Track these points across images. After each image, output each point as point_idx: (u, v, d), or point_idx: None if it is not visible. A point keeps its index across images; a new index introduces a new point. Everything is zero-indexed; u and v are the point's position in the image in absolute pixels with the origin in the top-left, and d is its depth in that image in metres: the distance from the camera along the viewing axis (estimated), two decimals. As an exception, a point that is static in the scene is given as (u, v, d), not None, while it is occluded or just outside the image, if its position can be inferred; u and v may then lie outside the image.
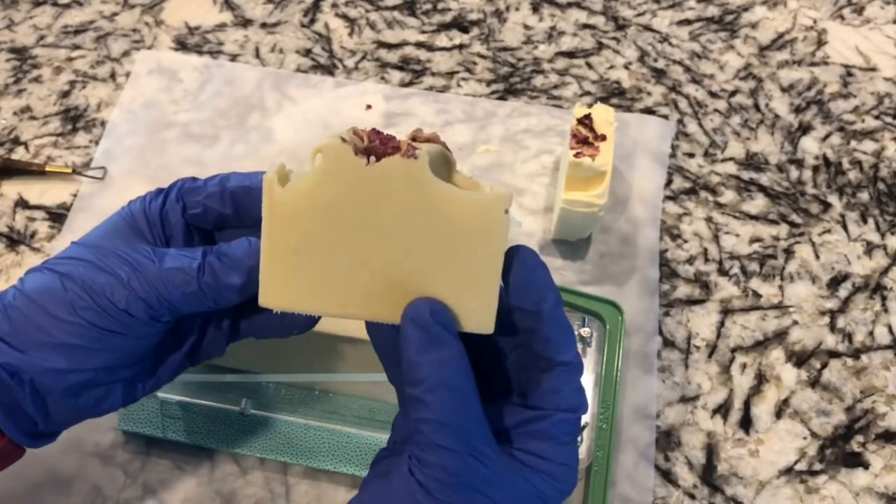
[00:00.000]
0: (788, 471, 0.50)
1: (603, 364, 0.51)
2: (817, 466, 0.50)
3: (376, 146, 0.30)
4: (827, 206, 0.60)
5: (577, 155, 0.52)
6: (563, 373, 0.31)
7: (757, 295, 0.56)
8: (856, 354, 0.54)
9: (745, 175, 0.62)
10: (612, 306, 0.52)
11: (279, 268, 0.31)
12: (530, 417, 0.31)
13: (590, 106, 0.55)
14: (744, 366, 0.53)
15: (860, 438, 0.51)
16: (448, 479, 0.28)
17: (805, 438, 0.51)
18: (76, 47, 0.67)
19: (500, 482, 0.29)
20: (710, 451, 0.50)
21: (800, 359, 0.54)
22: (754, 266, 0.57)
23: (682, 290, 0.56)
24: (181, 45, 0.67)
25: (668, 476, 0.49)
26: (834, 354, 0.54)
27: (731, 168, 0.62)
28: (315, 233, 0.30)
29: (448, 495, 0.28)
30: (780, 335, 0.54)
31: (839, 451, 0.50)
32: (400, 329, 0.30)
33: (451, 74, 0.66)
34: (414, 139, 0.32)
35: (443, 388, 0.29)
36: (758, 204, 0.60)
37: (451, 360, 0.29)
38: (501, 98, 0.65)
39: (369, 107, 0.63)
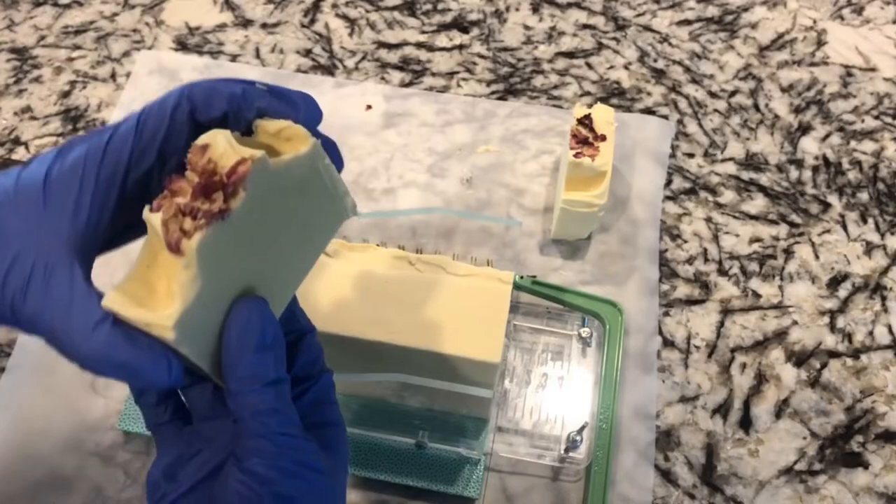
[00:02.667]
0: (788, 471, 0.50)
1: (603, 364, 0.51)
2: (817, 466, 0.50)
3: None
4: (827, 206, 0.60)
5: (577, 155, 0.52)
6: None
7: (757, 295, 0.56)
8: (855, 354, 0.54)
9: (745, 175, 0.62)
10: (611, 306, 0.53)
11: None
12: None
13: (590, 106, 0.55)
14: (743, 366, 0.53)
15: (860, 438, 0.51)
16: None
17: (805, 438, 0.51)
18: (76, 47, 0.67)
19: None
20: (710, 450, 0.50)
21: (799, 359, 0.54)
22: (754, 266, 0.57)
23: (682, 290, 0.56)
24: (181, 46, 0.67)
25: (667, 476, 0.49)
26: (834, 354, 0.54)
27: (730, 168, 0.62)
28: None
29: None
30: (780, 335, 0.54)
31: (839, 450, 0.50)
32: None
33: (451, 74, 0.66)
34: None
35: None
36: (757, 204, 0.60)
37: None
38: (501, 98, 0.65)
39: (369, 107, 0.63)
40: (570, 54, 0.68)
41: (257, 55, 0.67)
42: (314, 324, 0.42)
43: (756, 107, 0.65)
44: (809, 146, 0.63)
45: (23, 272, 0.26)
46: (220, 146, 0.26)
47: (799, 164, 0.62)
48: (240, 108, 0.29)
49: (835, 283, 0.57)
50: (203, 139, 0.27)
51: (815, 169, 0.62)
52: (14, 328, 0.27)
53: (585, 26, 0.70)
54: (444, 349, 0.42)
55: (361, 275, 0.44)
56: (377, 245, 0.46)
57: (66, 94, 0.64)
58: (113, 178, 0.28)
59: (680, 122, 0.64)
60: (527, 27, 0.69)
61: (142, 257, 0.27)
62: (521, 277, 0.52)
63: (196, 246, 0.26)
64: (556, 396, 0.51)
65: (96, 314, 0.26)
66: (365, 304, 0.43)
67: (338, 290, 0.43)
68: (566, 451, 0.49)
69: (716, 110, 0.65)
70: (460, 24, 0.69)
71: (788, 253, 0.58)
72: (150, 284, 0.27)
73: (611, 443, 0.48)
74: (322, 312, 0.42)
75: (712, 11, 0.71)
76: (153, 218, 0.26)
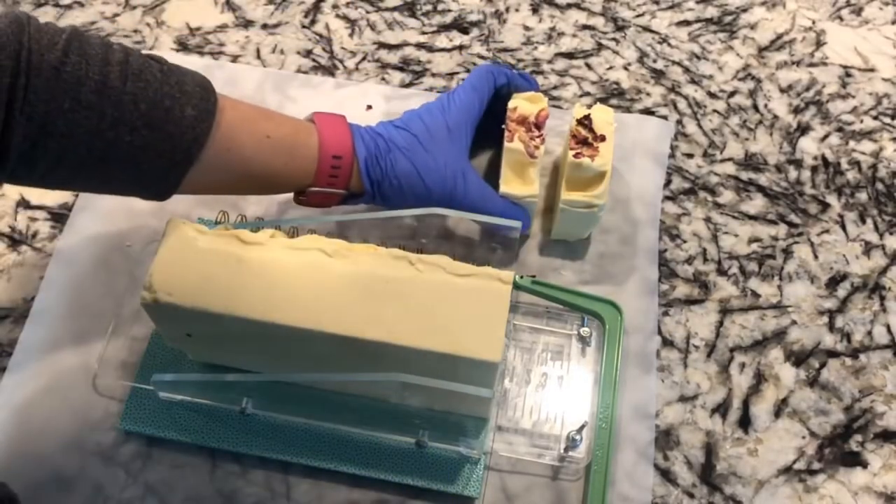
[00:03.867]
0: (787, 470, 0.50)
1: (602, 364, 0.51)
2: (816, 466, 0.50)
3: None
4: (825, 206, 0.61)
5: (576, 155, 0.52)
6: None
7: (756, 295, 0.56)
8: (854, 354, 0.54)
9: (744, 175, 0.62)
10: (611, 306, 0.53)
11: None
12: None
13: (589, 107, 0.55)
14: (742, 365, 0.54)
15: (859, 438, 0.51)
16: None
17: (804, 438, 0.51)
18: (77, 48, 0.67)
19: None
20: (709, 450, 0.51)
21: (798, 358, 0.54)
22: (753, 266, 0.58)
23: (681, 290, 0.56)
24: (182, 46, 0.67)
25: (667, 475, 0.50)
26: (832, 354, 0.54)
27: (729, 168, 0.62)
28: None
29: None
30: (779, 335, 0.55)
31: (838, 450, 0.51)
32: None
33: (451, 75, 0.66)
34: None
35: None
36: (756, 204, 0.60)
37: None
38: (501, 99, 0.65)
39: (370, 107, 0.64)
40: (569, 55, 0.68)
41: (258, 56, 0.67)
42: (315, 323, 0.42)
43: (755, 107, 0.65)
44: (808, 146, 0.64)
45: (453, 175, 0.51)
46: (525, 106, 0.54)
47: (798, 164, 0.63)
48: (507, 79, 0.55)
49: (834, 282, 0.57)
50: (512, 104, 0.54)
51: (814, 169, 0.62)
52: (447, 206, 0.50)
53: (585, 27, 0.70)
54: (444, 349, 0.42)
55: (361, 275, 0.44)
56: (377, 245, 0.46)
57: (66, 95, 0.64)
58: (473, 121, 0.53)
59: (679, 122, 0.64)
60: (526, 28, 0.70)
61: (506, 170, 0.53)
62: (521, 277, 0.53)
63: (541, 151, 0.53)
64: (555, 396, 0.51)
65: (494, 193, 0.52)
66: (365, 303, 0.43)
67: (338, 289, 0.43)
68: (566, 450, 0.49)
69: (715, 111, 0.65)
70: (460, 25, 0.70)
71: (787, 253, 0.58)
72: (514, 182, 0.53)
73: (610, 442, 0.48)
74: (322, 312, 0.43)
75: (711, 12, 0.72)
76: (515, 144, 0.53)
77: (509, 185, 0.53)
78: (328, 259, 0.44)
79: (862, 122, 0.65)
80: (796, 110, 0.66)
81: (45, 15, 0.68)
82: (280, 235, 0.46)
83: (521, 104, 0.54)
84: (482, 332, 0.42)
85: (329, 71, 0.66)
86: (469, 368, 0.42)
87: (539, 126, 0.53)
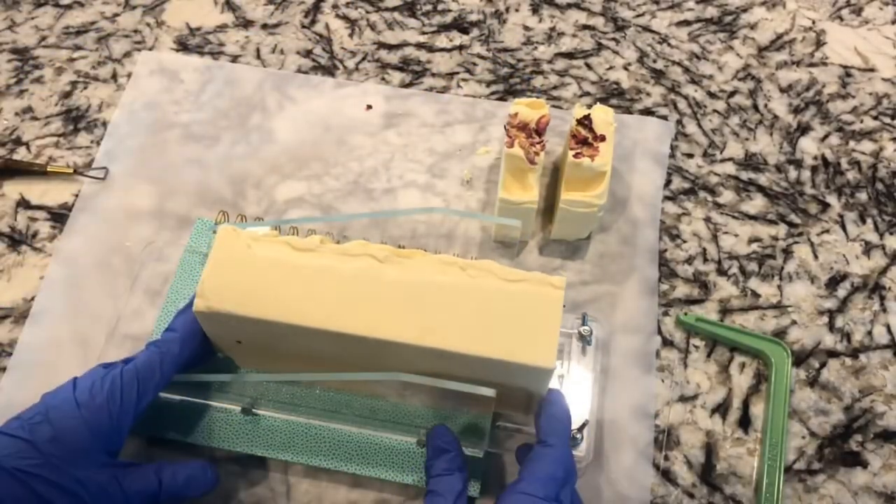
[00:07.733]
0: (787, 470, 0.50)
1: (771, 405, 0.51)
2: (816, 465, 0.50)
3: None
4: (825, 206, 0.61)
5: (576, 155, 0.52)
6: None
7: (756, 295, 0.56)
8: (854, 354, 0.54)
9: (744, 175, 0.62)
10: (779, 347, 0.53)
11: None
12: None
13: (589, 107, 0.55)
14: (742, 365, 0.54)
15: (859, 438, 0.51)
16: None
17: (804, 437, 0.51)
18: (77, 48, 0.67)
19: None
20: (709, 450, 0.51)
21: (798, 358, 0.54)
22: (753, 266, 0.57)
23: (682, 290, 0.56)
24: (182, 46, 0.67)
25: (667, 475, 0.50)
26: (832, 354, 0.54)
27: (729, 168, 0.62)
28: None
29: None
30: (779, 335, 0.55)
31: (838, 450, 0.51)
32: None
33: (451, 75, 0.66)
34: None
35: None
36: (756, 204, 0.60)
37: None
38: (501, 99, 0.65)
39: (370, 107, 0.64)
40: (569, 55, 0.68)
41: (258, 56, 0.67)
42: (369, 330, 0.42)
43: (755, 107, 0.65)
44: (808, 146, 0.64)
45: None
46: (526, 112, 0.54)
47: (798, 164, 0.63)
48: None
49: (834, 282, 0.57)
50: (513, 109, 0.54)
51: (814, 169, 0.62)
52: None
53: (585, 27, 0.70)
54: (499, 356, 0.41)
55: (414, 281, 0.43)
56: (423, 251, 0.45)
57: (67, 95, 0.64)
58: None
59: (679, 122, 0.64)
60: (526, 28, 0.70)
61: (506, 175, 0.53)
62: (686, 314, 0.54)
63: (541, 157, 0.52)
64: (555, 396, 0.51)
65: None
66: (419, 311, 0.42)
67: (391, 296, 0.43)
68: (566, 450, 0.49)
69: (715, 111, 0.65)
70: (460, 25, 0.70)
71: (787, 253, 0.58)
72: (513, 188, 0.52)
73: (779, 475, 0.49)
74: (376, 319, 0.42)
75: (711, 12, 0.71)
76: (515, 150, 0.52)
77: (508, 191, 0.52)
78: (379, 265, 0.43)
79: (862, 122, 0.65)
80: (796, 110, 0.66)
81: (45, 15, 0.69)
82: (328, 241, 0.46)
83: (522, 110, 0.53)
84: (536, 338, 0.42)
85: (329, 71, 0.66)
86: (523, 374, 0.42)
87: (540, 132, 0.53)
